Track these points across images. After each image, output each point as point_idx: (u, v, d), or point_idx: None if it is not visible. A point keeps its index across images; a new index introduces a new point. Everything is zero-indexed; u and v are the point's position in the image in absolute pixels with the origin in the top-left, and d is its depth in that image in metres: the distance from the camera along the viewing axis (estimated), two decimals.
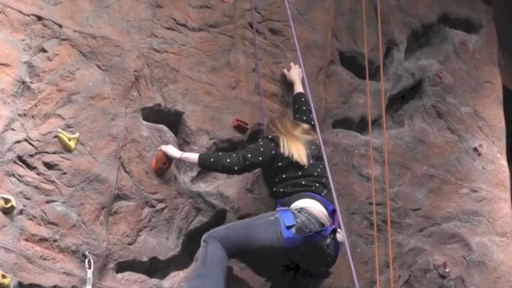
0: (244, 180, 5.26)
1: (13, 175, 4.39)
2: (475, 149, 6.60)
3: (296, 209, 4.76)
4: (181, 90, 5.17)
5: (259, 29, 5.68)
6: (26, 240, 4.34)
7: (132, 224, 4.76)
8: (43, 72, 4.64)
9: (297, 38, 4.88)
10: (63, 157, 4.57)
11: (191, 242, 5.02)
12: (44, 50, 4.68)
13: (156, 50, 5.12)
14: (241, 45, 5.53)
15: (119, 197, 4.74)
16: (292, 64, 5.66)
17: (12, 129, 4.46)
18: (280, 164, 4.97)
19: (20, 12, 4.63)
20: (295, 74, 5.62)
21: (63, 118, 4.62)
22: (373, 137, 5.85)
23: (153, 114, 5.05)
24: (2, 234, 4.25)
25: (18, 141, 4.46)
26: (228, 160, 4.87)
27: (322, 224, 4.72)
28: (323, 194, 4.91)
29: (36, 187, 4.46)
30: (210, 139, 5.22)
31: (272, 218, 4.76)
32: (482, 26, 7.10)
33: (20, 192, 4.39)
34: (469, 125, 6.66)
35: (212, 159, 4.89)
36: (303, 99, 5.47)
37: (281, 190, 4.96)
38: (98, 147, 4.72)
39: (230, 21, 5.53)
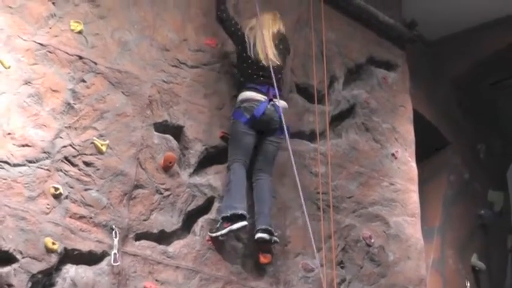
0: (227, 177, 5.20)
1: (61, 170, 4.41)
2: (393, 154, 6.56)
3: (239, 104, 5.17)
4: (182, 110, 5.14)
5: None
6: (70, 217, 4.36)
7: (146, 206, 4.75)
8: (83, 96, 4.63)
9: None
10: (97, 158, 4.57)
11: (189, 219, 5.00)
12: (83, 81, 4.67)
13: (165, 81, 5.09)
14: (225, 78, 5.47)
15: (137, 187, 4.73)
16: None
17: (60, 137, 4.47)
18: (245, 54, 5.24)
19: (66, 53, 4.63)
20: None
21: (97, 130, 4.63)
22: (319, 145, 5.83)
23: (162, 127, 5.02)
24: (52, 213, 4.28)
25: (64, 146, 4.47)
26: (223, 7, 5.26)
27: (258, 101, 5.12)
28: (263, 84, 5.18)
29: (77, 179, 4.46)
30: (203, 146, 5.18)
31: (232, 121, 5.19)
32: (398, 65, 7.02)
33: (66, 183, 4.40)
34: (388, 137, 6.61)
35: (222, 7, 5.28)
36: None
37: (241, 79, 5.29)
38: (122, 150, 4.71)
39: (217, 61, 5.45)
